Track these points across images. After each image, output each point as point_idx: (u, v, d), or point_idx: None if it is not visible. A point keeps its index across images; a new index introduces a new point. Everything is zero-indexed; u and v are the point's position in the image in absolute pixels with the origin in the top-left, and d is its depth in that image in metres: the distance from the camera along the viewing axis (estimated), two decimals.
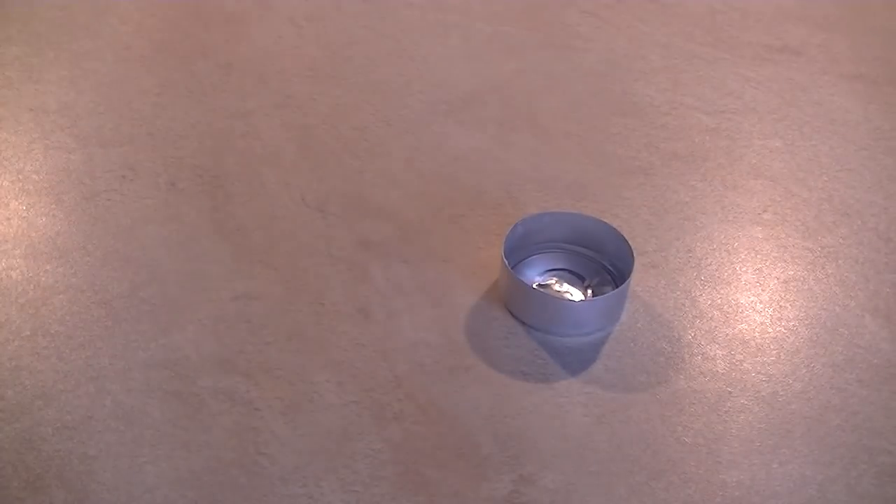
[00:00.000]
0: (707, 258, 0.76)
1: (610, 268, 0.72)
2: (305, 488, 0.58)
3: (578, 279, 0.72)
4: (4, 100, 0.90)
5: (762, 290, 0.73)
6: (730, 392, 0.65)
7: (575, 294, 0.71)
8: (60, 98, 0.91)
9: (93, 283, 0.71)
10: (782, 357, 0.68)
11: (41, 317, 0.68)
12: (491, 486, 0.59)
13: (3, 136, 0.86)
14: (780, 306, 0.72)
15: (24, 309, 0.69)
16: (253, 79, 0.88)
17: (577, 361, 0.67)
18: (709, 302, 0.72)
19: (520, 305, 0.69)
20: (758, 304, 0.72)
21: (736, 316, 0.71)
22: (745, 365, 0.67)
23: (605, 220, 0.72)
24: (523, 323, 0.69)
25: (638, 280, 0.73)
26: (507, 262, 0.69)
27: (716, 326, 0.70)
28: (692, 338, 0.69)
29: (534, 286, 0.70)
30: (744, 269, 0.75)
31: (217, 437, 0.61)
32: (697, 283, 0.73)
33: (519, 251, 0.72)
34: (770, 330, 0.70)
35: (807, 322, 0.71)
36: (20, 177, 0.81)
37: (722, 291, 0.73)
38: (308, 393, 0.64)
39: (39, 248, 0.74)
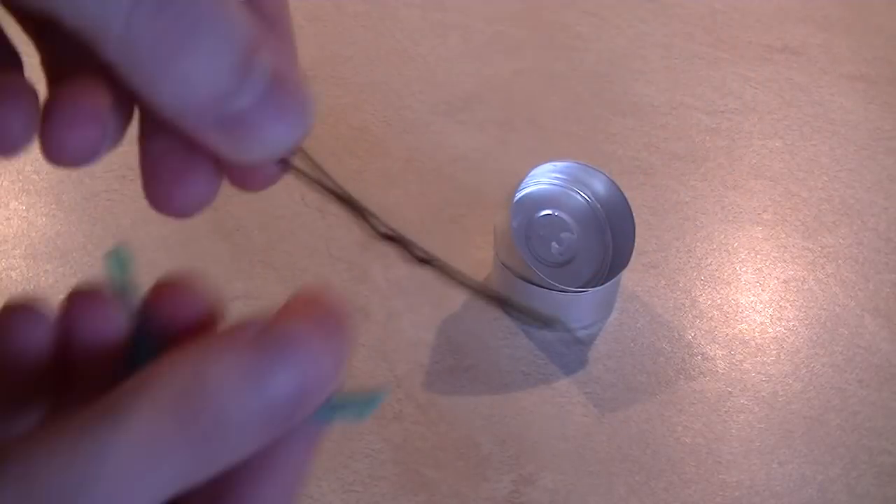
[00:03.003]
0: (707, 258, 0.76)
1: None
2: (305, 488, 0.58)
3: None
4: None
5: (762, 290, 0.73)
6: (730, 392, 0.65)
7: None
8: None
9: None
10: (782, 357, 0.68)
11: None
12: (491, 487, 0.59)
13: None
14: (780, 306, 0.72)
15: None
16: None
17: (576, 361, 0.67)
18: (709, 302, 0.72)
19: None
20: (758, 304, 0.72)
21: (736, 316, 0.71)
22: (745, 365, 0.67)
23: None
24: (521, 321, 0.69)
25: (638, 280, 0.73)
26: (499, 259, 0.69)
27: (716, 326, 0.70)
28: (692, 338, 0.69)
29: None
30: (744, 269, 0.75)
31: None
32: (697, 283, 0.74)
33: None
34: (770, 330, 0.70)
35: (807, 322, 0.71)
36: (20, 177, 0.81)
37: (722, 291, 0.73)
38: None
39: (39, 248, 0.74)
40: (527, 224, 0.70)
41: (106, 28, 0.18)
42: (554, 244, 0.70)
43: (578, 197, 0.72)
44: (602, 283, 0.68)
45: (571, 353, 0.67)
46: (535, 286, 0.67)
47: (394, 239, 0.24)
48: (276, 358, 0.20)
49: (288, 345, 0.20)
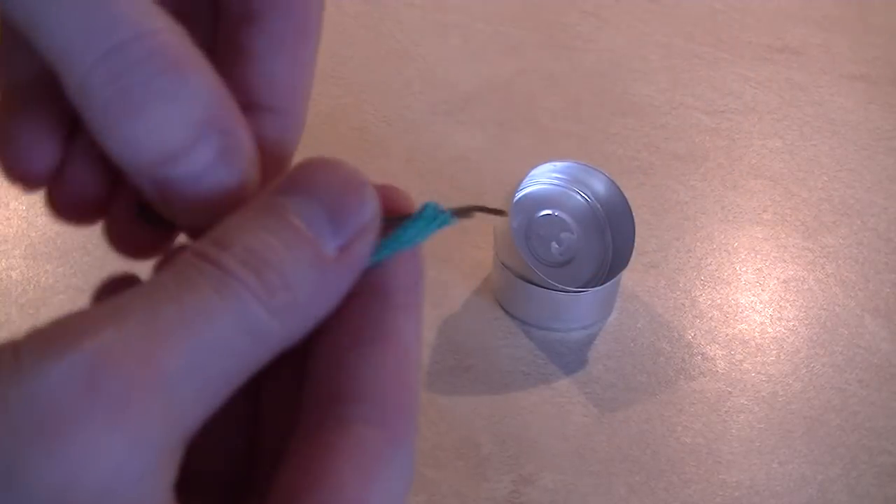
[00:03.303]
0: (707, 258, 0.76)
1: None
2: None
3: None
4: None
5: (762, 290, 0.73)
6: (730, 392, 0.65)
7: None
8: None
9: (93, 283, 0.71)
10: (782, 357, 0.68)
11: (41, 317, 0.68)
12: (491, 487, 0.59)
13: None
14: (780, 306, 0.72)
15: (24, 309, 0.69)
16: None
17: (576, 361, 0.67)
18: (709, 302, 0.72)
19: (510, 300, 0.69)
20: (758, 304, 0.72)
21: (736, 316, 0.71)
22: (745, 365, 0.67)
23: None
24: (521, 320, 0.69)
25: (638, 280, 0.73)
26: (499, 259, 0.69)
27: (716, 326, 0.70)
28: (692, 338, 0.69)
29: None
30: (744, 269, 0.75)
31: None
32: (697, 283, 0.73)
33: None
34: (770, 330, 0.70)
35: (807, 322, 0.71)
36: None
37: (722, 291, 0.73)
38: None
39: (39, 248, 0.74)
40: (527, 224, 0.70)
41: (68, 73, 0.19)
42: (554, 244, 0.70)
43: (578, 197, 0.72)
44: (602, 283, 0.68)
45: (571, 353, 0.67)
46: (535, 286, 0.67)
47: None
48: (294, 187, 0.20)
49: (304, 176, 0.21)
